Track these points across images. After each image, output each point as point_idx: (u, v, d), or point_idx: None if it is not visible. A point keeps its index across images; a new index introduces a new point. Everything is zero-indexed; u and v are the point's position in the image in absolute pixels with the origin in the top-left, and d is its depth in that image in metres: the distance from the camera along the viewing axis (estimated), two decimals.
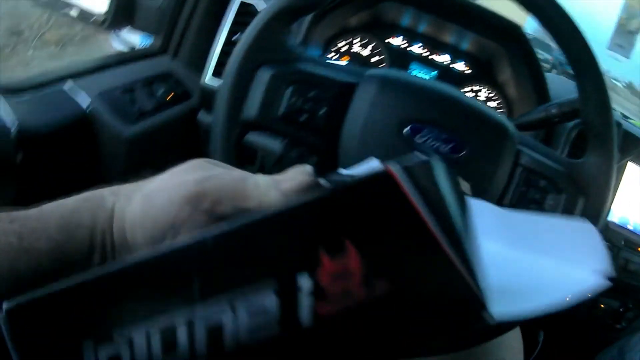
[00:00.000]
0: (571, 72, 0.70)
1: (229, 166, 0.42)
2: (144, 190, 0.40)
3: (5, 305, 0.28)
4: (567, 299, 0.36)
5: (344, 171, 0.50)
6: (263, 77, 0.67)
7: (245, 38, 0.68)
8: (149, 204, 0.38)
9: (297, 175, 0.39)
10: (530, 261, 0.42)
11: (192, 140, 1.14)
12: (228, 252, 0.29)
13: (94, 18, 1.22)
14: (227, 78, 0.67)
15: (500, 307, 0.29)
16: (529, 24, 1.72)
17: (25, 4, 3.50)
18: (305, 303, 0.28)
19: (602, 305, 1.18)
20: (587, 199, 0.70)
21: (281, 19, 0.68)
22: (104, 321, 0.28)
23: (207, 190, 0.37)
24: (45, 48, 3.38)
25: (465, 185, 0.42)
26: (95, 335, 0.28)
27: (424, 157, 0.28)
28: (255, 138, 0.71)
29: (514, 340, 0.85)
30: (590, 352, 1.27)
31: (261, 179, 0.39)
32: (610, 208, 1.06)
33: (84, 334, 0.28)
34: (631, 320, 1.19)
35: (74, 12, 1.23)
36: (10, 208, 0.43)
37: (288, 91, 0.67)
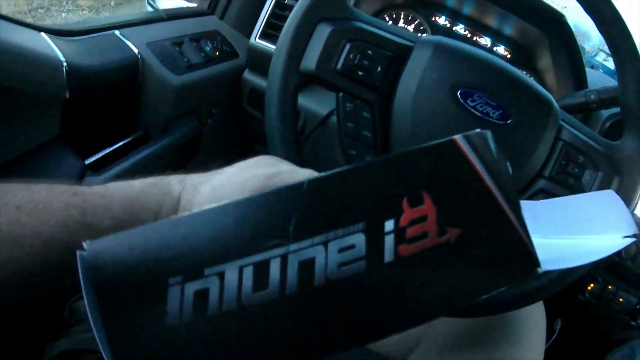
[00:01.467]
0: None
1: (293, 165, 0.44)
2: (212, 182, 0.42)
3: (87, 245, 0.30)
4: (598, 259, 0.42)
5: None
6: (323, 32, 0.68)
7: None
8: (219, 195, 0.41)
9: None
10: (563, 244, 0.45)
11: (236, 96, 1.16)
12: (323, 195, 0.32)
13: None
14: (288, 30, 0.68)
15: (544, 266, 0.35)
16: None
17: None
18: (389, 243, 0.31)
19: (620, 299, 1.18)
20: (621, 179, 0.71)
21: None
22: (197, 258, 0.30)
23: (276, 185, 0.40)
24: (79, 12, 3.40)
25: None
26: (183, 272, 0.29)
27: (480, 130, 0.34)
28: (300, 100, 0.72)
29: (539, 317, 0.86)
30: (603, 347, 1.28)
31: None
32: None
33: (170, 271, 0.29)
34: None
35: None
36: (72, 181, 0.44)
37: (346, 47, 0.68)
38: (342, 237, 0.31)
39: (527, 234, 0.34)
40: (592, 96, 0.92)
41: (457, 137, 0.34)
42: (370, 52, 0.69)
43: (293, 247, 0.30)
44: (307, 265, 0.30)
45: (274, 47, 1.05)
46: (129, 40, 0.98)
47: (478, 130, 0.34)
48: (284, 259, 0.30)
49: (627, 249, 1.10)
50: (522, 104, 0.69)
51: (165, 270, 0.29)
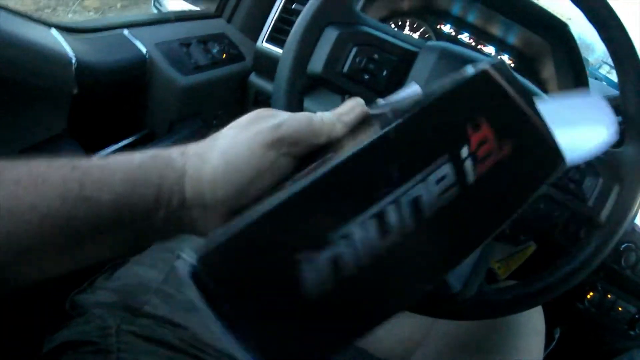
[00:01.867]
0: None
1: (287, 112, 0.44)
2: (218, 147, 0.42)
3: (193, 255, 0.30)
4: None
5: (382, 101, 0.53)
6: (330, 35, 0.69)
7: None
8: (230, 158, 0.41)
9: (354, 107, 0.46)
10: (568, 133, 0.50)
11: (242, 99, 1.16)
12: (408, 137, 0.36)
13: None
14: (296, 33, 0.69)
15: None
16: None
17: None
18: (469, 166, 0.36)
19: (620, 308, 1.18)
20: (621, 186, 0.71)
21: None
22: (318, 228, 0.32)
23: (284, 134, 0.41)
24: (85, 13, 3.42)
25: None
26: (311, 244, 0.31)
27: (499, 58, 0.37)
28: (306, 104, 0.73)
29: (538, 321, 0.87)
30: (602, 356, 1.28)
31: (325, 116, 0.44)
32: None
33: (296, 249, 0.31)
34: None
35: None
36: (71, 155, 0.44)
37: (353, 51, 0.69)
38: (435, 171, 0.35)
39: (554, 139, 0.40)
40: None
41: (488, 68, 0.39)
42: (376, 56, 0.70)
43: (401, 190, 0.34)
44: (416, 202, 0.34)
45: (280, 50, 1.06)
46: (137, 39, 0.99)
47: (499, 58, 0.39)
48: (396, 202, 0.33)
49: (627, 258, 1.10)
50: None
51: (291, 249, 0.31)
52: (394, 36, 0.73)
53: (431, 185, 0.35)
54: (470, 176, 0.36)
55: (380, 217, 0.33)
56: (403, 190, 0.34)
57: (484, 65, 0.39)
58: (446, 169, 0.35)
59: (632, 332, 1.21)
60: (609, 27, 0.69)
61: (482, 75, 0.39)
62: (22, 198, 0.38)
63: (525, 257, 0.97)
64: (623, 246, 1.08)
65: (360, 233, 0.32)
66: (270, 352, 0.30)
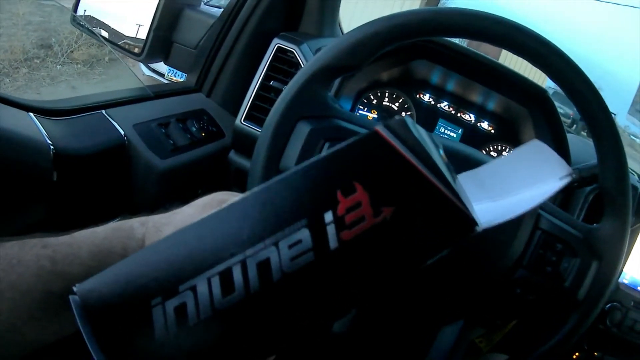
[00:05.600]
0: None
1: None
2: (174, 222, 0.45)
3: (76, 288, 0.35)
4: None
5: None
6: (302, 130, 0.70)
7: (286, 92, 0.71)
8: None
9: None
10: (504, 203, 0.48)
11: (222, 177, 1.16)
12: (266, 203, 0.36)
13: (123, 40, 1.26)
14: (268, 128, 0.69)
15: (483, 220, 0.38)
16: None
17: (56, 18, 3.58)
18: (331, 232, 0.36)
19: None
20: (600, 263, 0.72)
21: (322, 77, 0.71)
22: (170, 278, 0.35)
23: None
24: (74, 65, 3.44)
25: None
26: (163, 292, 0.34)
27: (399, 117, 0.38)
28: None
29: None
30: None
31: None
32: (622, 270, 1.08)
33: (151, 294, 0.34)
34: None
35: (105, 33, 1.26)
36: (41, 234, 0.45)
37: (325, 147, 0.70)
38: (289, 235, 0.35)
39: (459, 199, 0.37)
40: (574, 175, 0.92)
41: (379, 127, 0.38)
42: None
43: (249, 252, 0.35)
44: (264, 265, 0.35)
45: (258, 129, 1.06)
46: (116, 121, 0.99)
47: (397, 117, 0.38)
48: (243, 263, 0.35)
49: (612, 317, 1.09)
50: None
51: (146, 294, 0.35)
52: (365, 126, 0.73)
53: (283, 249, 0.35)
54: (333, 242, 0.36)
55: (225, 275, 0.35)
56: (251, 253, 0.35)
57: (377, 125, 0.39)
58: (302, 234, 0.36)
59: None
60: (588, 102, 0.69)
61: (372, 136, 0.38)
62: (2, 279, 0.41)
63: (506, 330, 0.96)
64: (608, 306, 1.07)
65: (203, 287, 0.34)
66: None
